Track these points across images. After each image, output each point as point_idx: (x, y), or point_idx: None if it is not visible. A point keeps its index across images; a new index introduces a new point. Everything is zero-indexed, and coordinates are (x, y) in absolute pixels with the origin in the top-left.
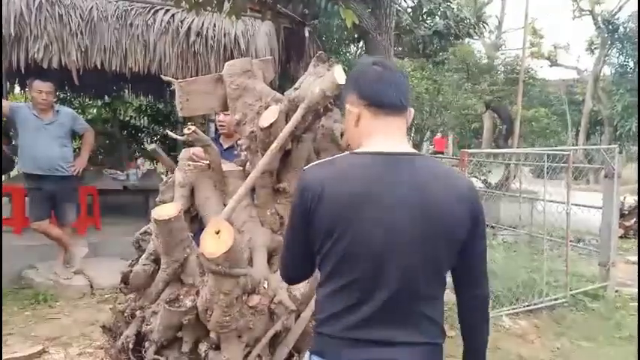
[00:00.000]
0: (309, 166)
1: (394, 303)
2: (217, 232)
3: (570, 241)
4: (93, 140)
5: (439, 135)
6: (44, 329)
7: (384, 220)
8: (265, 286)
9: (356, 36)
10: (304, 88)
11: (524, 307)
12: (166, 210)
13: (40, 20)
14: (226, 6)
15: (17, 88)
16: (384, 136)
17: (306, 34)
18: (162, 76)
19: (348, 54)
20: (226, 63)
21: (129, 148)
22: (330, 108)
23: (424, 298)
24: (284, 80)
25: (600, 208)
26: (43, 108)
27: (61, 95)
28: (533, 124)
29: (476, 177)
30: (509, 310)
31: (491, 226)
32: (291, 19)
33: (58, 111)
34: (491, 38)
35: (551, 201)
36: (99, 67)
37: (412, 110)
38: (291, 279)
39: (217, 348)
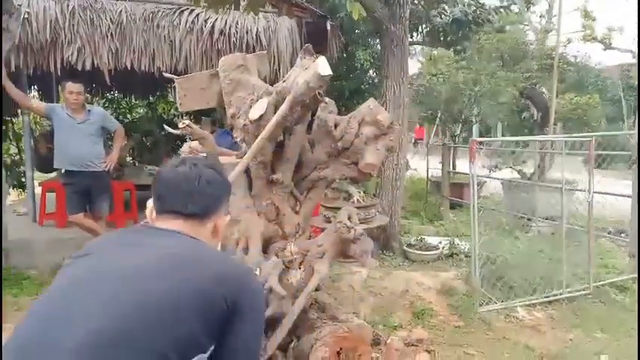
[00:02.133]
0: None
1: None
2: None
3: (609, 232)
4: (123, 137)
5: (417, 125)
6: None
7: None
8: (257, 272)
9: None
10: (291, 81)
11: (541, 298)
12: None
13: (73, 25)
14: (244, 3)
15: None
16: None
17: (328, 28)
18: (164, 74)
19: (376, 45)
20: (220, 59)
21: (167, 145)
22: (320, 100)
23: None
24: None
25: (629, 196)
26: (74, 108)
27: (109, 96)
28: (579, 110)
29: (511, 167)
30: (524, 301)
31: (528, 218)
32: (312, 13)
33: (89, 110)
34: (542, 23)
35: (572, 189)
36: (129, 68)
37: (226, 218)
38: None
39: None
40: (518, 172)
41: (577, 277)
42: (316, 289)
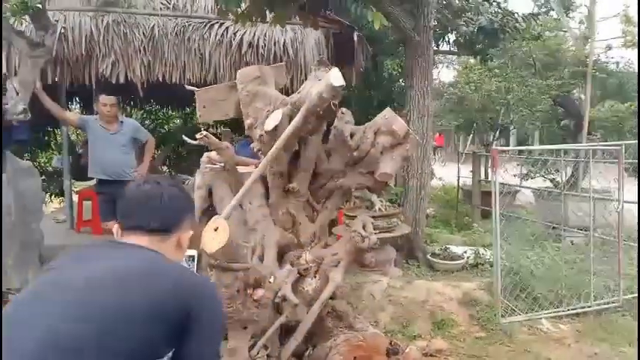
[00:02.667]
0: None
1: None
2: (216, 229)
3: None
4: (154, 147)
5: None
6: None
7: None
8: (271, 280)
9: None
10: (305, 92)
11: (568, 310)
12: None
13: (107, 39)
14: (271, 16)
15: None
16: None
17: (355, 38)
18: (186, 86)
19: (404, 55)
20: (238, 71)
21: (200, 155)
22: (334, 110)
23: None
24: None
25: None
26: (108, 120)
27: (147, 108)
28: (614, 118)
29: (543, 176)
30: (549, 312)
31: (553, 227)
32: (340, 24)
33: (122, 122)
34: (581, 29)
35: (601, 198)
36: (160, 81)
37: (190, 233)
38: None
39: (227, 338)
40: (551, 181)
41: (607, 288)
42: (332, 298)
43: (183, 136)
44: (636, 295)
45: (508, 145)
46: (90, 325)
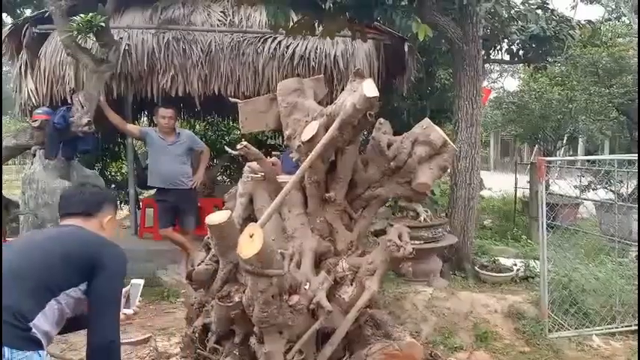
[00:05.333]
0: None
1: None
2: (251, 236)
3: None
4: (208, 157)
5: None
6: (159, 321)
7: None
8: (307, 287)
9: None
10: (340, 103)
11: (622, 327)
12: (218, 216)
13: (167, 55)
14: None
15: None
16: None
17: (406, 49)
18: (229, 98)
19: None
20: (278, 83)
21: None
22: (370, 121)
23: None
24: (389, 95)
25: None
26: (166, 131)
27: (209, 119)
28: None
29: (605, 188)
30: (602, 329)
31: (618, 241)
32: (390, 35)
33: (179, 133)
34: None
35: None
36: (216, 94)
37: (109, 217)
38: None
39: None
40: (617, 192)
41: None
42: (369, 307)
43: (225, 146)
44: None
45: (576, 155)
46: (37, 264)
